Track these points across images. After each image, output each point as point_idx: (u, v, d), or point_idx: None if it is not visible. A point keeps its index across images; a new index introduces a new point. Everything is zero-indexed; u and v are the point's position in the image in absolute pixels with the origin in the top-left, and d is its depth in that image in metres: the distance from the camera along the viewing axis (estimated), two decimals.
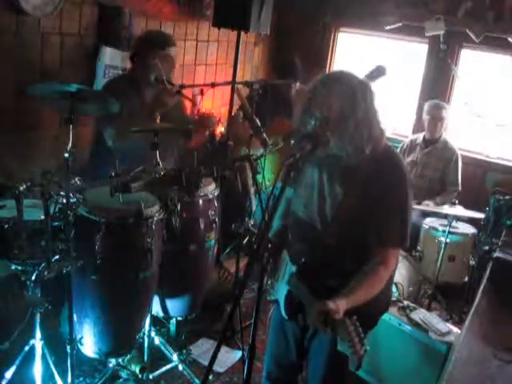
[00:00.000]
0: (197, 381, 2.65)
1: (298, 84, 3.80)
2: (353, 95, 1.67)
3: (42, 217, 1.98)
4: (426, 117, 4.22)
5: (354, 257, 1.78)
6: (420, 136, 4.31)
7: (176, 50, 2.84)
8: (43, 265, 2.03)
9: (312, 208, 1.86)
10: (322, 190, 1.84)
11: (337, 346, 1.53)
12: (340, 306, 1.56)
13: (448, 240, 3.42)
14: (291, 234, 1.98)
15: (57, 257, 2.05)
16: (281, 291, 1.92)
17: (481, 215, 3.59)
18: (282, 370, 2.13)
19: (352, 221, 1.75)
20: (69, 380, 2.18)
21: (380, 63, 3.08)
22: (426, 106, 4.25)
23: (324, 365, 1.92)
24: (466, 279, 3.69)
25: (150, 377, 2.59)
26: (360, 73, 2.94)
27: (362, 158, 1.71)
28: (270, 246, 1.69)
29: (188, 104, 3.25)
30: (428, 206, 3.77)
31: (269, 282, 2.01)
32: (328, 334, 1.54)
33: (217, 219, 2.54)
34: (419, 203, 3.73)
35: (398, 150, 4.34)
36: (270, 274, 1.96)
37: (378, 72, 3.02)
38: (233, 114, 3.61)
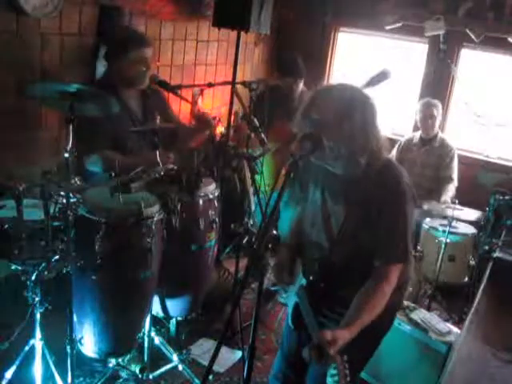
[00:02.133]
0: (197, 381, 2.65)
1: (301, 84, 3.78)
2: (351, 102, 1.67)
3: (42, 217, 1.98)
4: (418, 116, 4.24)
5: (360, 273, 1.77)
6: (416, 135, 4.31)
7: (152, 50, 2.67)
8: (43, 265, 2.03)
9: (318, 227, 1.88)
10: (325, 209, 1.85)
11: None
12: (339, 336, 1.56)
13: (448, 240, 3.42)
14: (304, 249, 1.99)
15: (57, 257, 2.05)
16: (291, 299, 1.94)
17: (481, 215, 3.59)
18: (292, 368, 2.13)
19: (355, 238, 1.76)
20: (69, 380, 2.18)
21: (385, 67, 3.07)
22: (418, 105, 4.27)
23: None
24: (466, 279, 3.69)
25: (150, 377, 2.59)
26: (364, 75, 2.96)
27: (360, 174, 1.72)
28: (271, 246, 1.69)
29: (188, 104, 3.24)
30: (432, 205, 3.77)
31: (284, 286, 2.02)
32: (322, 367, 1.53)
33: (217, 219, 2.54)
34: (420, 206, 3.73)
35: (395, 149, 4.35)
36: (285, 277, 1.97)
37: (383, 76, 3.01)
38: (233, 114, 3.60)
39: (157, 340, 2.72)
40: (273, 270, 1.98)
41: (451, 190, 4.09)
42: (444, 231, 3.44)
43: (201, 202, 2.46)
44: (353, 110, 1.66)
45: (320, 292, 1.85)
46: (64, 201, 1.99)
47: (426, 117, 4.16)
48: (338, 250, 1.81)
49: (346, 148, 1.68)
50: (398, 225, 1.73)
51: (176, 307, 2.62)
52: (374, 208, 1.71)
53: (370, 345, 1.93)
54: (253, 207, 3.66)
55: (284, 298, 2.02)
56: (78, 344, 2.25)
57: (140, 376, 2.54)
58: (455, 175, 4.15)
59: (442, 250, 3.41)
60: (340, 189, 1.79)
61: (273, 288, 2.17)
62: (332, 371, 1.48)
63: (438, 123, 4.20)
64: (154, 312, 2.57)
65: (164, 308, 2.59)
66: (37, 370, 2.24)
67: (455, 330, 2.67)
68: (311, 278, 1.87)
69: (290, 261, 1.98)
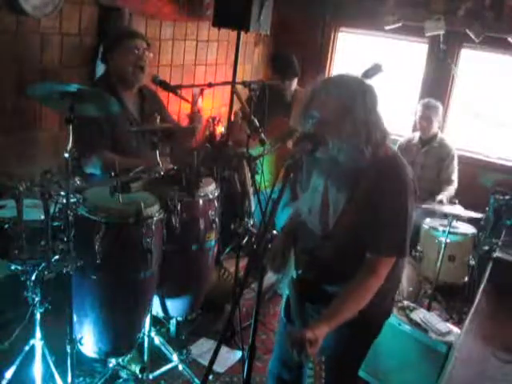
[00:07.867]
0: (197, 381, 2.65)
1: (295, 83, 3.78)
2: (352, 96, 1.65)
3: (42, 217, 1.98)
4: (417, 114, 4.21)
5: (353, 264, 1.73)
6: (416, 135, 4.29)
7: (143, 43, 2.67)
8: (43, 265, 2.03)
9: (315, 213, 1.84)
10: (325, 197, 1.81)
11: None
12: (318, 334, 1.55)
13: (448, 240, 3.42)
14: (298, 238, 1.96)
15: (57, 257, 2.04)
16: (285, 291, 1.93)
17: (481, 215, 3.59)
18: (286, 368, 2.09)
19: (352, 229, 1.72)
20: (69, 380, 2.18)
21: (376, 61, 3.09)
22: (419, 105, 4.23)
23: None
24: (466, 279, 3.70)
25: (150, 377, 2.59)
26: (357, 71, 2.97)
27: (364, 165, 1.67)
28: (270, 246, 1.69)
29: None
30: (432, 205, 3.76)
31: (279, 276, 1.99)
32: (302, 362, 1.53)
33: (217, 219, 2.54)
34: (419, 206, 3.72)
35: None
36: (277, 265, 1.95)
37: (375, 70, 3.04)
38: (233, 114, 3.61)
39: (157, 340, 2.72)
40: (267, 257, 1.93)
41: (450, 190, 4.07)
42: (444, 231, 3.44)
43: (201, 201, 2.46)
44: (353, 105, 1.63)
45: (308, 287, 1.81)
46: (64, 201, 1.99)
47: (423, 118, 4.13)
48: (330, 242, 1.77)
49: (350, 143, 1.65)
50: (398, 217, 1.68)
51: (176, 307, 2.62)
52: (375, 201, 1.66)
53: (362, 346, 1.92)
54: (253, 207, 3.66)
55: (281, 288, 1.99)
56: (78, 344, 2.25)
57: (140, 376, 2.54)
58: (455, 177, 4.13)
59: (442, 250, 3.41)
60: (344, 177, 1.74)
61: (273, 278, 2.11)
62: (308, 371, 1.47)
63: (436, 125, 4.14)
64: (154, 312, 2.57)
65: (164, 308, 2.59)
66: (37, 370, 2.24)
67: (455, 329, 2.67)
68: (300, 271, 1.83)
69: (284, 248, 1.95)
